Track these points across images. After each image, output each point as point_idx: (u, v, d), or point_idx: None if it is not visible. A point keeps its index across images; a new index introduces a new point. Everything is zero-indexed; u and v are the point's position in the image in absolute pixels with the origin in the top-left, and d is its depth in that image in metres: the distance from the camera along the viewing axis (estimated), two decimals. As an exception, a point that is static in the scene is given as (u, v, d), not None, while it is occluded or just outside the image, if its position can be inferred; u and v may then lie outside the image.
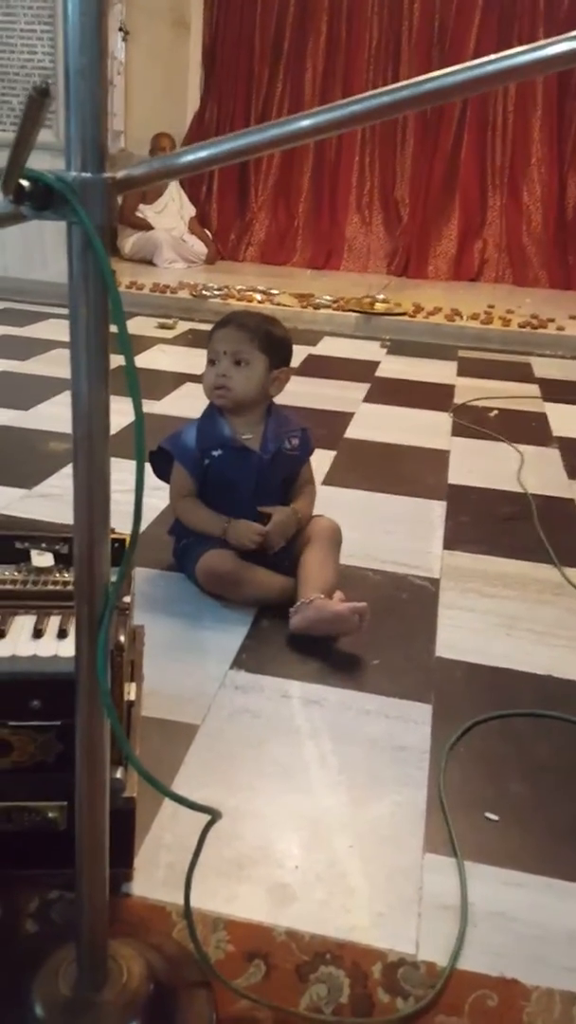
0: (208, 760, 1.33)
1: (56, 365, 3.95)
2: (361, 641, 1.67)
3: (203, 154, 0.65)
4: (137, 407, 0.69)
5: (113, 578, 1.21)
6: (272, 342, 1.79)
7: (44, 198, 0.63)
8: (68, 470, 2.63)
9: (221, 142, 0.65)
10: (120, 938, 0.93)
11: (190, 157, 0.66)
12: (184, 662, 1.58)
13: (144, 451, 0.73)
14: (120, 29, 6.20)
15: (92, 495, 0.75)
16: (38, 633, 1.10)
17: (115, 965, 0.89)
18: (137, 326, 4.83)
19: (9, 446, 2.84)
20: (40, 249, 5.12)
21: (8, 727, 1.05)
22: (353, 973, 0.98)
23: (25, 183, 0.61)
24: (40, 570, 1.25)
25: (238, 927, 1.03)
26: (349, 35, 6.64)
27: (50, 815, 1.05)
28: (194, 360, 4.01)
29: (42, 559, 1.28)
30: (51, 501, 2.36)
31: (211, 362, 1.81)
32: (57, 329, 4.67)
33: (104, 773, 0.81)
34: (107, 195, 0.64)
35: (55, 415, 3.15)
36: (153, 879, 1.09)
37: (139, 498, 0.72)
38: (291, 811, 1.25)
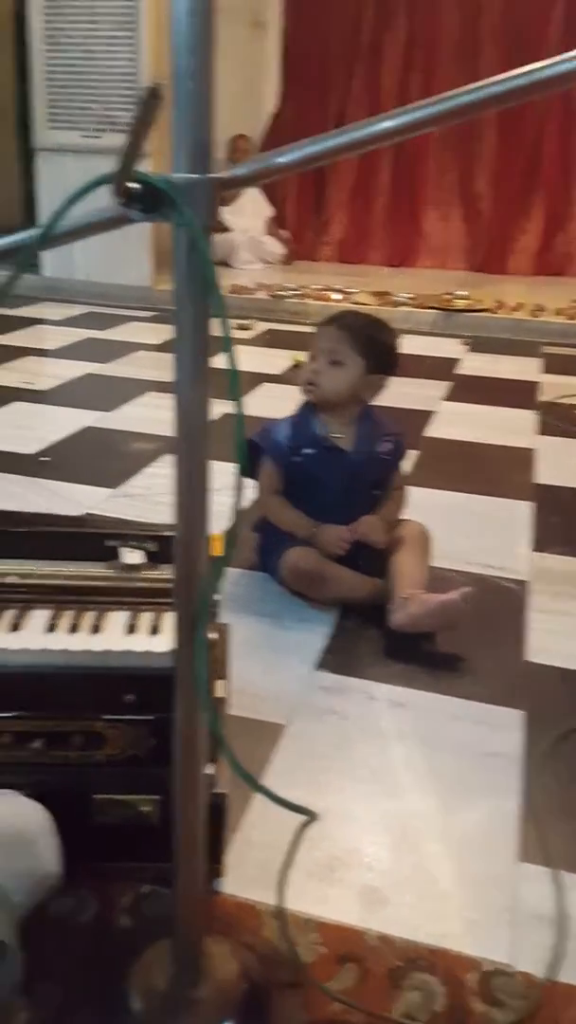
0: (295, 760, 1.33)
1: (138, 367, 4.01)
2: (448, 644, 1.65)
3: (306, 151, 0.65)
4: (237, 406, 0.69)
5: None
6: (373, 347, 1.77)
7: (152, 201, 0.63)
8: (151, 470, 2.70)
9: (323, 139, 0.65)
10: (214, 935, 0.94)
11: (292, 156, 0.66)
12: (268, 661, 1.58)
13: (243, 449, 0.73)
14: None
15: (192, 494, 0.75)
16: (131, 629, 1.11)
17: (210, 962, 0.89)
18: (214, 327, 4.89)
19: (94, 447, 2.90)
20: (121, 253, 5.21)
21: (103, 720, 1.06)
22: (448, 980, 0.97)
23: (134, 186, 0.62)
24: (130, 567, 1.27)
25: (329, 929, 1.02)
26: (427, 32, 6.56)
27: (143, 809, 1.06)
28: (271, 361, 4.03)
29: (132, 556, 1.30)
30: (135, 500, 2.40)
31: (312, 358, 1.81)
32: (138, 332, 4.76)
33: (201, 769, 0.81)
34: (212, 196, 0.64)
35: (138, 416, 3.21)
36: (243, 877, 1.09)
37: (238, 495, 0.72)
38: (380, 814, 1.24)
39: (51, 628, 1.11)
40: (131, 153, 0.58)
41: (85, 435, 3.00)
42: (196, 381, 0.71)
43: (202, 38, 0.60)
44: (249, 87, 6.83)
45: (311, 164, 0.66)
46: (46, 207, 5.52)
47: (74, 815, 0.99)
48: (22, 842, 0.89)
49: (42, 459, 2.74)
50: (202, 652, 0.76)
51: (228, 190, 0.66)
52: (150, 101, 0.55)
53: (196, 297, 0.68)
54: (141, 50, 4.98)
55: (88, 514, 2.27)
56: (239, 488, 0.72)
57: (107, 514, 2.26)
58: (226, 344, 0.66)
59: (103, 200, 0.65)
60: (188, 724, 0.79)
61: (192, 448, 0.73)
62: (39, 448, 2.82)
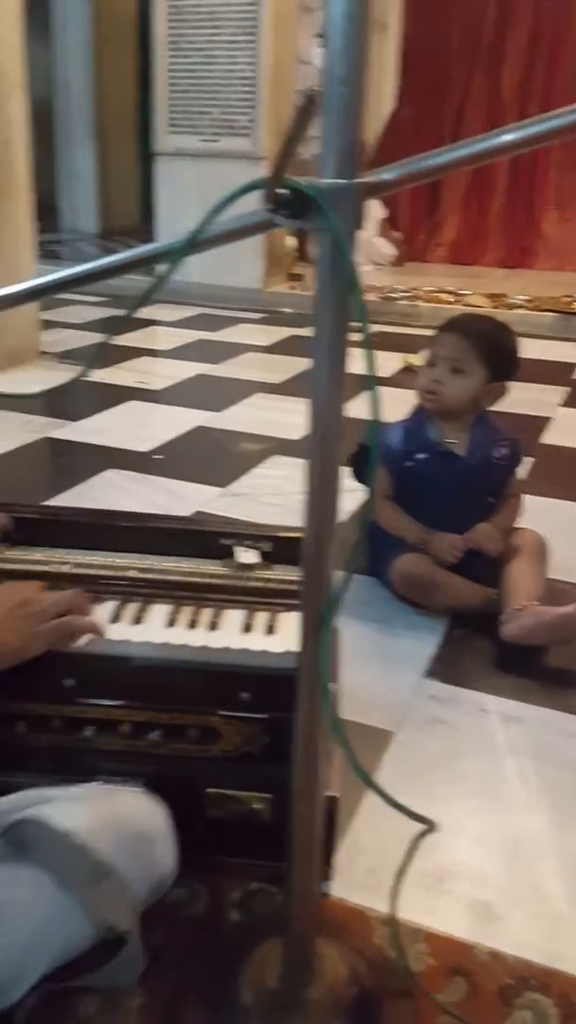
0: (404, 769, 1.31)
1: (247, 368, 4.06)
2: (562, 658, 1.60)
3: (456, 155, 0.64)
4: (374, 411, 0.68)
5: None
6: (495, 355, 1.74)
7: (298, 206, 0.64)
8: (260, 470, 2.72)
9: (473, 143, 0.64)
10: (324, 938, 0.94)
11: (441, 159, 0.65)
12: (377, 667, 1.57)
13: (376, 449, 0.73)
14: (318, 35, 6.29)
15: (322, 497, 0.75)
16: (247, 628, 1.13)
17: (321, 964, 0.89)
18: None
19: (205, 446, 2.96)
20: (233, 255, 5.29)
21: (218, 716, 1.08)
22: (561, 1003, 0.94)
23: (282, 191, 0.63)
24: (245, 566, 1.28)
25: (439, 941, 1.01)
26: (549, 33, 6.41)
27: (255, 807, 1.07)
28: (381, 363, 4.02)
29: (247, 556, 1.31)
30: (244, 500, 2.43)
31: (430, 364, 1.78)
32: (248, 333, 4.82)
33: (320, 770, 0.81)
34: (358, 201, 0.64)
35: (247, 417, 3.25)
36: (351, 882, 1.09)
37: (370, 497, 0.72)
38: (491, 828, 1.21)
39: (171, 623, 1.13)
40: (284, 160, 0.59)
41: (196, 434, 3.06)
42: (332, 384, 0.71)
43: (356, 44, 0.60)
44: (368, 89, 6.82)
45: (460, 167, 0.66)
46: (163, 211, 5.65)
47: (187, 808, 1.00)
48: (142, 837, 0.91)
49: (155, 457, 2.81)
50: (326, 655, 0.76)
51: (376, 195, 0.66)
52: (307, 108, 0.56)
53: (337, 301, 0.68)
54: (261, 54, 5.04)
55: (198, 512, 2.31)
56: (372, 486, 0.72)
57: (216, 513, 2.30)
58: (366, 347, 0.66)
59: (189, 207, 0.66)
60: (309, 725, 0.80)
61: (325, 451, 0.74)
62: (152, 446, 2.89)
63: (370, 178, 0.65)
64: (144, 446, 2.89)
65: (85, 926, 0.82)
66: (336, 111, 0.62)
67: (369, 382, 0.67)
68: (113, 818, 0.91)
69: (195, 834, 0.96)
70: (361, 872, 1.10)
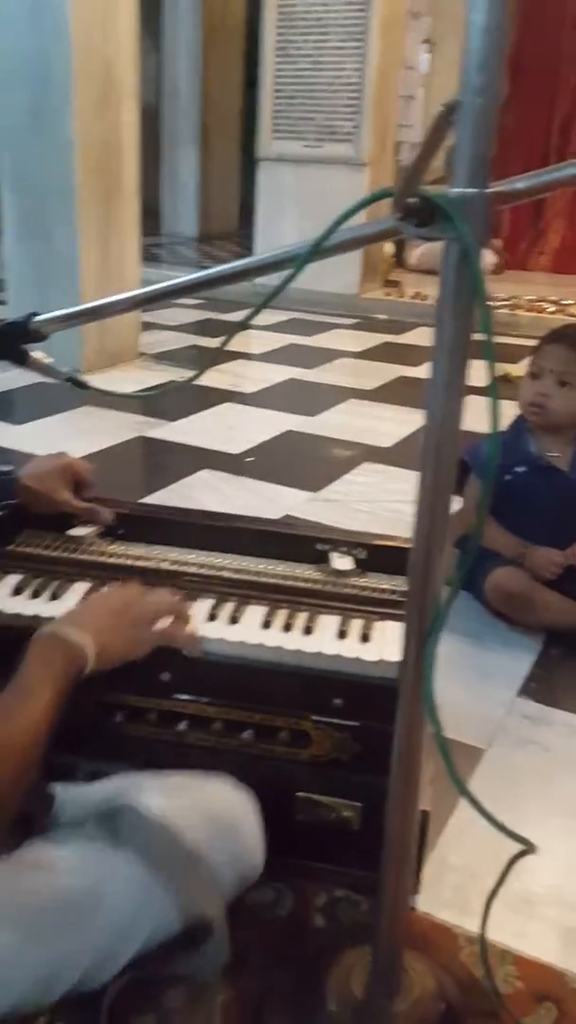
0: (494, 787, 1.29)
1: (341, 374, 4.07)
2: None
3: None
4: (494, 421, 0.68)
5: (399, 585, 1.22)
6: None
7: (427, 215, 0.64)
8: (350, 476, 2.72)
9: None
10: (411, 951, 0.93)
11: (572, 171, 0.64)
12: (469, 682, 1.55)
13: (493, 467, 0.72)
14: (425, 41, 6.26)
15: (434, 508, 0.75)
16: (342, 634, 1.13)
17: (407, 977, 0.89)
18: (419, 337, 4.86)
19: (295, 450, 2.97)
20: (330, 261, 5.26)
21: (310, 720, 1.08)
22: None
23: (412, 200, 0.62)
24: (340, 573, 1.28)
25: (527, 965, 0.99)
26: None
27: (344, 814, 1.07)
28: (477, 372, 3.96)
29: (342, 562, 1.31)
30: (334, 506, 2.43)
31: (533, 375, 1.74)
32: (341, 339, 4.82)
33: (418, 782, 0.81)
34: (488, 211, 0.64)
35: (339, 423, 3.25)
36: (438, 898, 1.08)
37: (478, 512, 0.71)
38: (583, 853, 1.18)
39: (266, 624, 1.14)
40: (417, 169, 0.59)
41: (287, 438, 3.08)
42: (451, 394, 0.71)
43: (494, 56, 0.60)
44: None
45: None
46: (263, 216, 5.70)
47: (276, 810, 1.01)
48: (231, 827, 0.92)
49: (247, 459, 2.84)
50: (431, 668, 0.75)
51: (505, 204, 0.65)
52: (444, 119, 0.55)
53: (461, 310, 0.67)
54: (368, 60, 5.05)
55: (287, 516, 2.32)
56: (487, 495, 0.71)
57: (305, 517, 2.30)
58: (489, 358, 0.66)
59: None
60: (408, 738, 0.79)
61: (440, 461, 0.73)
62: (244, 448, 2.92)
63: (501, 188, 0.65)
64: (236, 448, 2.92)
65: (174, 913, 0.83)
66: (471, 122, 0.61)
67: (491, 391, 0.67)
68: (204, 806, 0.92)
69: (282, 837, 0.96)
70: (448, 888, 1.09)
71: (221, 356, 3.73)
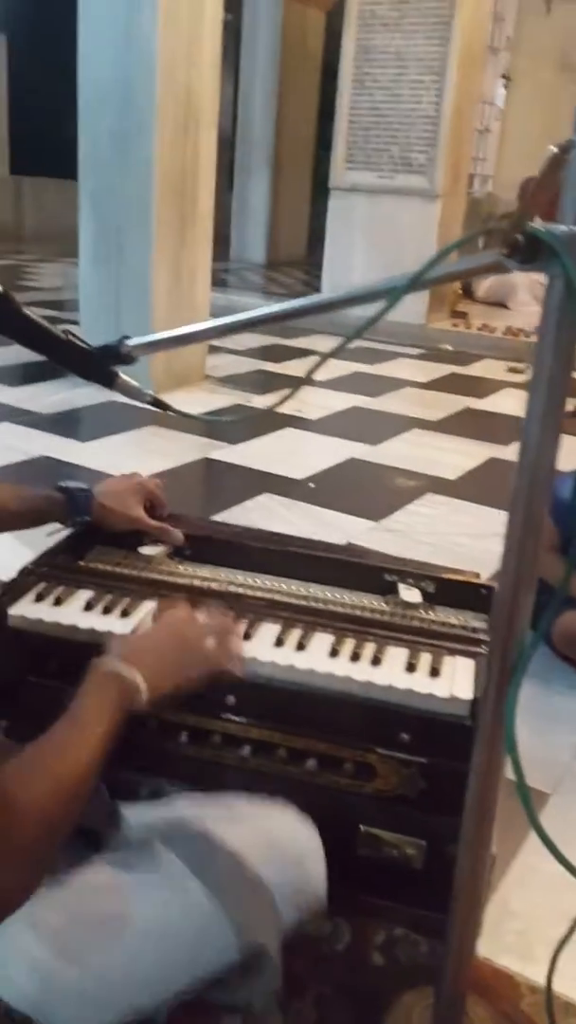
0: (560, 832, 1.23)
1: (406, 403, 4.06)
2: None
3: None
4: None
5: (477, 623, 1.21)
6: None
7: (531, 251, 0.63)
8: (413, 507, 2.71)
9: None
10: (472, 995, 0.91)
11: None
12: (534, 725, 1.52)
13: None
14: (503, 76, 6.29)
15: (524, 546, 0.74)
16: (411, 668, 1.11)
17: (469, 1023, 0.86)
18: (485, 369, 4.83)
19: (358, 478, 2.97)
20: (397, 290, 5.31)
21: (376, 753, 1.07)
22: None
23: (519, 236, 0.62)
24: (408, 605, 1.27)
25: (592, 1021, 0.96)
26: None
27: (408, 852, 1.05)
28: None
29: (410, 594, 1.30)
30: (396, 536, 2.42)
31: None
32: (407, 368, 4.82)
33: (492, 825, 0.79)
34: (596, 248, 0.63)
35: (402, 452, 3.24)
36: (499, 943, 1.05)
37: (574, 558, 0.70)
38: None
39: (333, 653, 1.13)
40: (529, 207, 0.58)
41: (349, 466, 3.08)
42: (547, 429, 0.70)
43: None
44: (550, 129, 6.75)
45: None
46: (332, 244, 5.75)
47: (337, 842, 1.00)
48: (296, 858, 0.91)
49: (309, 485, 2.85)
50: (514, 709, 0.74)
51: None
52: (558, 159, 0.55)
53: (563, 345, 0.67)
54: (445, 94, 5.09)
55: (349, 544, 2.31)
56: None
57: (367, 546, 2.29)
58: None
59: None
60: (486, 780, 0.78)
61: (533, 497, 0.72)
62: (306, 474, 2.93)
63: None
64: (298, 473, 2.93)
65: (233, 941, 0.82)
66: (585, 160, 0.61)
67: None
68: (268, 835, 0.91)
69: (343, 870, 0.95)
70: (510, 934, 1.06)
71: (304, 383, 3.76)
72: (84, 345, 0.99)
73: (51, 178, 9.94)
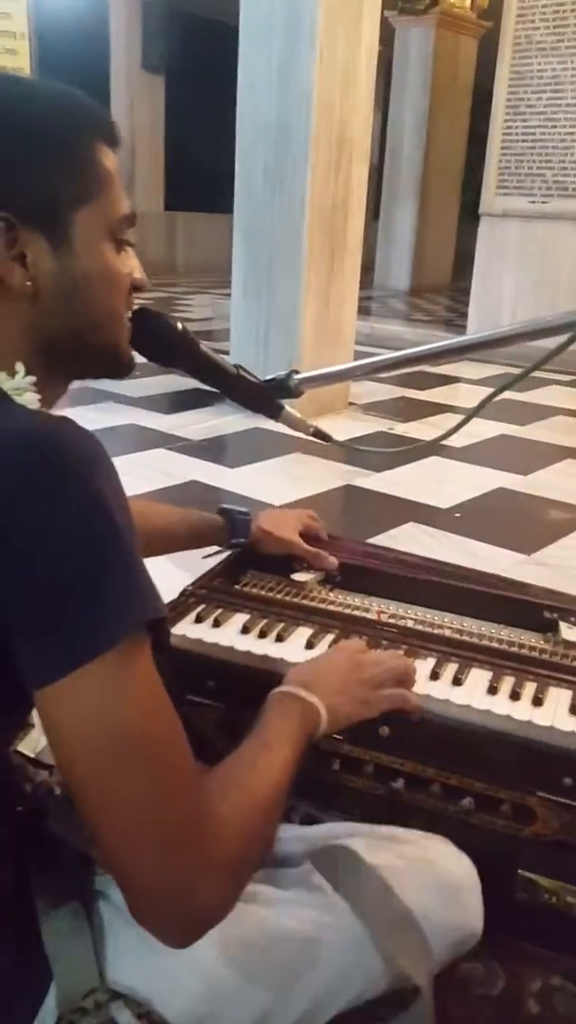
0: None
1: (556, 432, 3.95)
2: None
3: None
4: None
5: None
6: None
7: None
8: (568, 540, 2.62)
9: None
10: None
11: None
12: None
13: None
14: None
15: None
16: (573, 709, 1.08)
17: None
18: None
19: (507, 509, 2.91)
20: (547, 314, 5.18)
21: (536, 796, 1.04)
22: None
23: None
24: (569, 644, 1.23)
25: None
26: None
27: (568, 900, 1.01)
28: None
29: (572, 633, 1.26)
30: (550, 571, 2.35)
31: None
32: (558, 395, 4.68)
33: None
34: None
35: (554, 483, 3.15)
36: None
37: None
38: None
39: (492, 690, 1.11)
40: None
41: (497, 496, 3.02)
42: None
43: None
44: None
45: None
46: (481, 271, 5.69)
47: (493, 884, 0.98)
48: (452, 892, 0.90)
49: (455, 515, 2.81)
50: None
51: None
52: None
53: None
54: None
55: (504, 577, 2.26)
56: None
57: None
58: None
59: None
60: None
61: None
62: (453, 503, 2.90)
63: None
64: (444, 503, 2.90)
65: (382, 972, 0.81)
66: None
67: None
68: (425, 867, 0.90)
69: (498, 913, 0.93)
70: None
71: (474, 414, 3.75)
72: (254, 379, 1.03)
73: (202, 213, 10.34)
